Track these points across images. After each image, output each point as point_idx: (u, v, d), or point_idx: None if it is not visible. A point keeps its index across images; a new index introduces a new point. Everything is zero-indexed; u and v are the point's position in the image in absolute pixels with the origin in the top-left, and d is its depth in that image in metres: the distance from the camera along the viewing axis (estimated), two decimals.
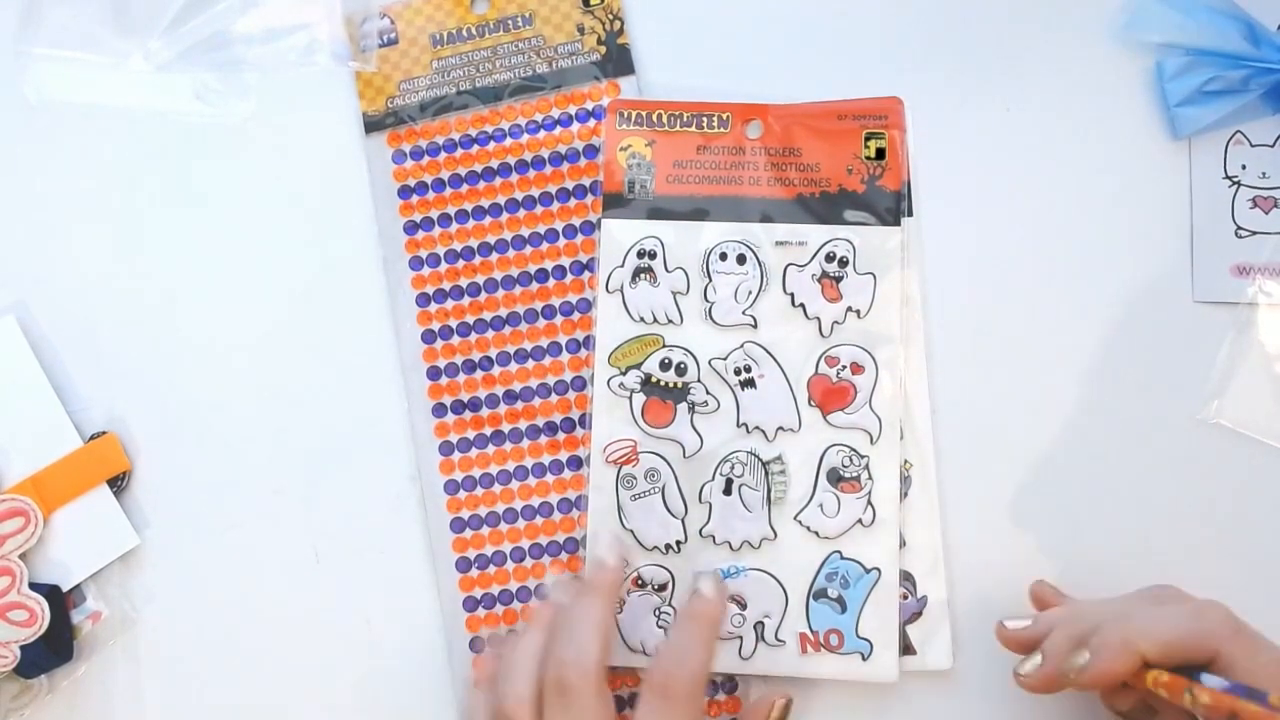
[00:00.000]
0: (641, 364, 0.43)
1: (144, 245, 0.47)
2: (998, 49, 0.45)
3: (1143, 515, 0.42)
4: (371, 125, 0.46)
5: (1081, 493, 0.42)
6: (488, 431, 0.44)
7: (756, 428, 0.42)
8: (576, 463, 0.44)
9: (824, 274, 0.43)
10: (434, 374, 0.45)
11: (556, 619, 0.37)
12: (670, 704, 0.34)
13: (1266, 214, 0.43)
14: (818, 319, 0.42)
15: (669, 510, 0.42)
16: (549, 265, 0.45)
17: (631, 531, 0.42)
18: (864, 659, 0.40)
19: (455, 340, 0.45)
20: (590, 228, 0.45)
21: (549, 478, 0.44)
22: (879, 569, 0.41)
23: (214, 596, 0.45)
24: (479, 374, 0.44)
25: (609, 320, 0.43)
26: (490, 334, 0.45)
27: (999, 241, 0.44)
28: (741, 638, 0.41)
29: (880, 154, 0.43)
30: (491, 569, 0.43)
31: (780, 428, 0.42)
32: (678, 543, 0.42)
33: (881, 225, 0.43)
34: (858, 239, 0.43)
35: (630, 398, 0.42)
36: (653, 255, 0.43)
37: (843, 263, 0.43)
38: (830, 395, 0.42)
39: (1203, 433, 0.42)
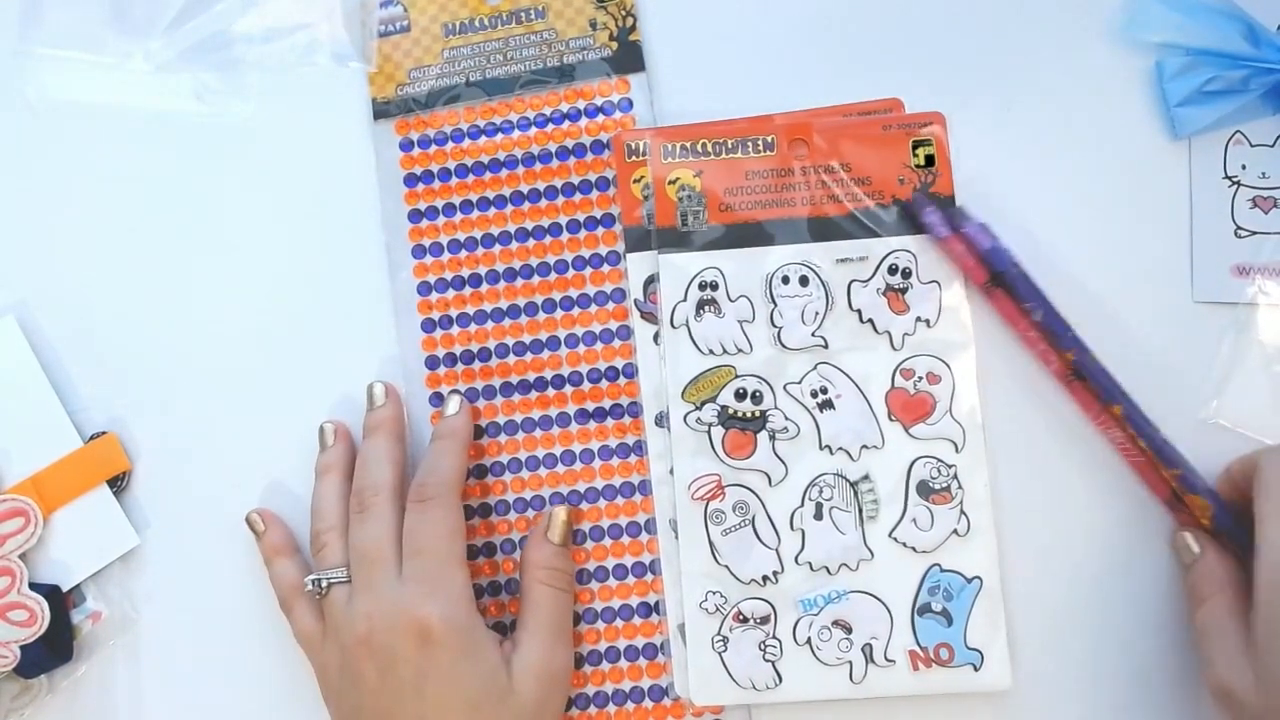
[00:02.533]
0: (716, 397, 0.42)
1: (144, 245, 0.47)
2: (997, 49, 0.45)
3: (1142, 515, 0.42)
4: (380, 112, 0.46)
5: (1081, 492, 0.42)
6: (484, 423, 0.44)
7: (840, 448, 0.42)
8: (570, 458, 0.44)
9: (888, 287, 0.42)
10: (433, 363, 0.45)
11: (353, 461, 0.43)
12: (427, 505, 0.40)
13: (1266, 214, 0.43)
14: (888, 333, 0.42)
15: (762, 541, 0.41)
16: (551, 259, 0.45)
17: (727, 567, 0.41)
18: (976, 670, 0.40)
19: (455, 330, 0.45)
20: (594, 224, 0.45)
21: (542, 471, 0.44)
22: (980, 577, 0.41)
23: (214, 596, 0.45)
24: (477, 365, 0.45)
25: (677, 356, 0.43)
26: (490, 325, 0.45)
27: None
28: (851, 662, 0.40)
29: (930, 161, 0.43)
30: (481, 559, 0.43)
31: (864, 446, 0.42)
32: (774, 573, 0.41)
33: None
34: (917, 248, 0.42)
35: (709, 432, 0.42)
36: (714, 286, 0.43)
37: (905, 274, 0.42)
38: (910, 408, 0.42)
39: (1203, 433, 0.42)
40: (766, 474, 0.42)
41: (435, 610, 0.37)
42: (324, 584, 0.40)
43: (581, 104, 0.46)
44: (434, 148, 0.46)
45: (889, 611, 0.41)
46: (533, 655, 0.39)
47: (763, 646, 0.41)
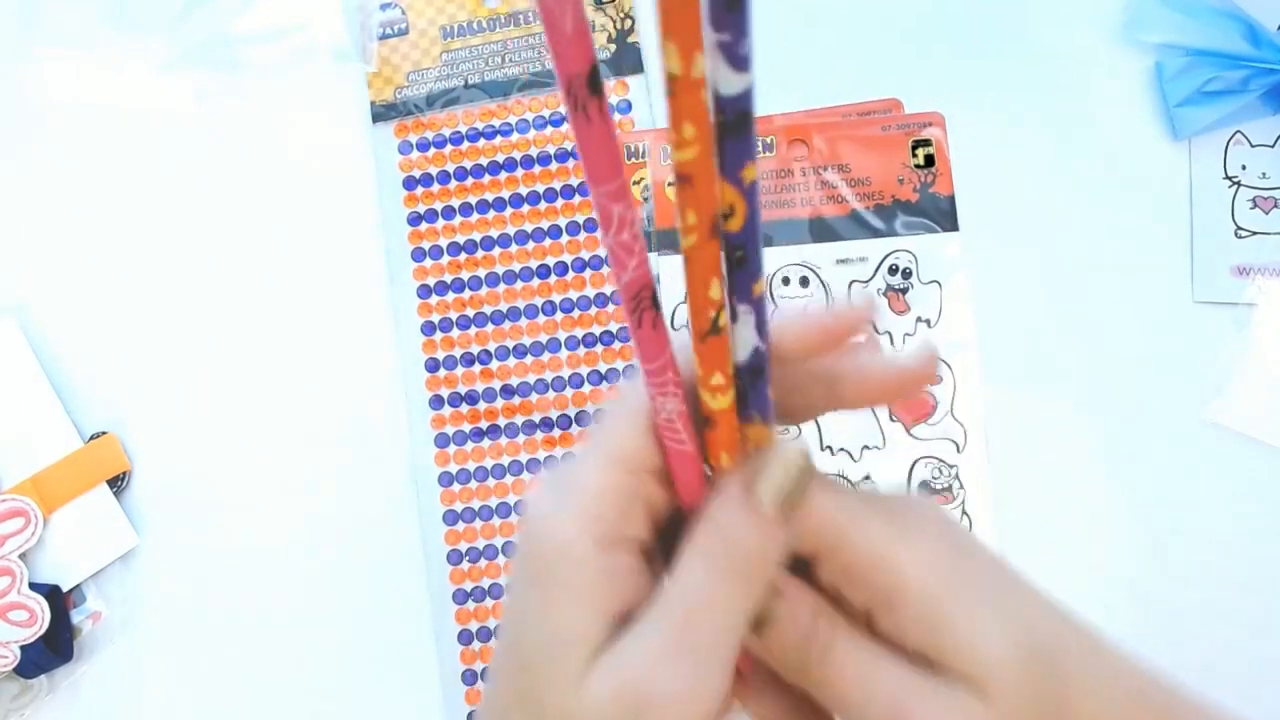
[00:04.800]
0: None
1: (144, 245, 0.47)
2: (997, 49, 0.45)
3: (1141, 515, 0.42)
4: (379, 115, 0.46)
5: (1080, 492, 0.42)
6: (484, 425, 0.44)
7: (841, 449, 0.42)
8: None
9: (889, 287, 0.43)
10: (433, 366, 0.45)
11: None
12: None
13: (1266, 214, 0.43)
14: (888, 333, 0.42)
15: None
16: (550, 261, 0.45)
17: None
18: None
19: (455, 333, 0.45)
20: (594, 225, 0.45)
21: (544, 474, 0.44)
22: None
23: (214, 596, 0.45)
24: (477, 368, 0.45)
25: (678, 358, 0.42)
26: (490, 328, 0.45)
27: (997, 242, 0.44)
28: None
29: (929, 161, 0.43)
30: (483, 563, 0.44)
31: (865, 446, 0.42)
32: None
33: (939, 232, 0.43)
34: (918, 248, 0.43)
35: None
36: None
37: (905, 274, 0.43)
38: (911, 408, 0.42)
39: (1203, 433, 0.42)
40: None
41: (551, 511, 0.22)
42: None
43: None
44: (433, 150, 0.46)
45: None
46: (628, 665, 0.21)
47: None
